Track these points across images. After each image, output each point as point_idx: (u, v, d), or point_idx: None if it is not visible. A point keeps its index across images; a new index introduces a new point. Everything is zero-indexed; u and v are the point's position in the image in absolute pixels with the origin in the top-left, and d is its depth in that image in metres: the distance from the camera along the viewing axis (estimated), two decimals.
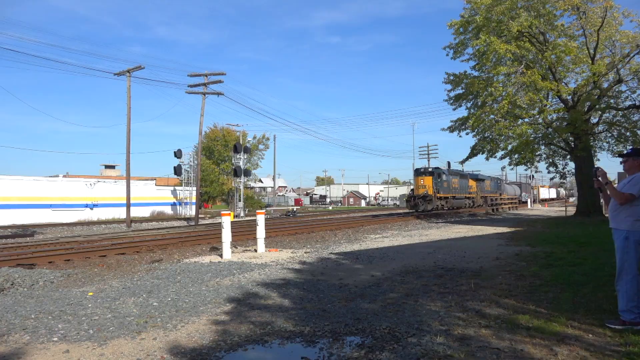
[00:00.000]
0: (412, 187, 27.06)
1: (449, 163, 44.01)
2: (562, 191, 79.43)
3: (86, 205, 30.99)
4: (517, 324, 4.40)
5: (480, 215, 29.44)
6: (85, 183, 31.99)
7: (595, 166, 4.81)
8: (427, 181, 30.73)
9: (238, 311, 5.11)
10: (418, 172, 31.89)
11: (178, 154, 33.66)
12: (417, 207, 29.98)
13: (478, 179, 39.65)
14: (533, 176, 56.68)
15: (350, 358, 3.65)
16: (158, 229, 21.19)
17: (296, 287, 6.38)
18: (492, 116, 20.61)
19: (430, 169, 32.10)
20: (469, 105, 23.34)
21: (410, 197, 31.07)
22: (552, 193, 75.87)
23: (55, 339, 4.19)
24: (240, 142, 37.23)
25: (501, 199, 43.15)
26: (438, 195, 30.36)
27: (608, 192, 4.75)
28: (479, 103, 21.90)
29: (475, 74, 22.49)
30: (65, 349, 3.92)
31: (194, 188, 31.75)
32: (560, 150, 24.61)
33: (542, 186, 69.90)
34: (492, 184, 43.27)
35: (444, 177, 31.59)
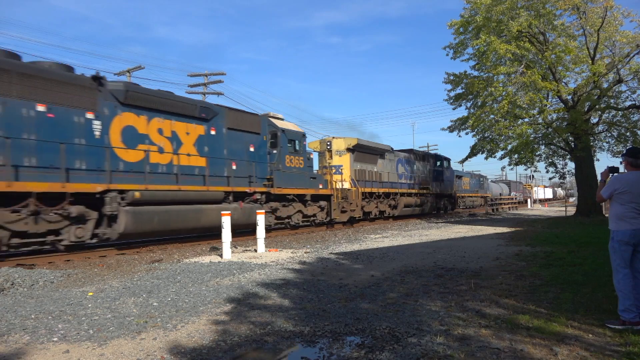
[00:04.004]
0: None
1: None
2: (560, 191, 78.93)
3: None
4: (517, 324, 4.40)
5: (480, 215, 29.44)
6: None
7: (611, 165, 4.86)
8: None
9: (238, 311, 5.11)
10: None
11: None
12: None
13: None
14: (533, 176, 56.66)
15: (350, 358, 3.65)
16: None
17: (296, 287, 6.38)
18: (492, 116, 20.61)
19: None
20: (469, 105, 23.34)
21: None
22: (548, 193, 75.12)
23: (55, 339, 4.19)
24: None
25: (484, 199, 39.08)
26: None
27: None
28: (479, 103, 21.89)
29: (475, 73, 22.49)
30: (65, 349, 3.92)
31: None
32: (560, 150, 24.62)
33: (537, 185, 68.25)
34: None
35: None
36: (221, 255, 9.72)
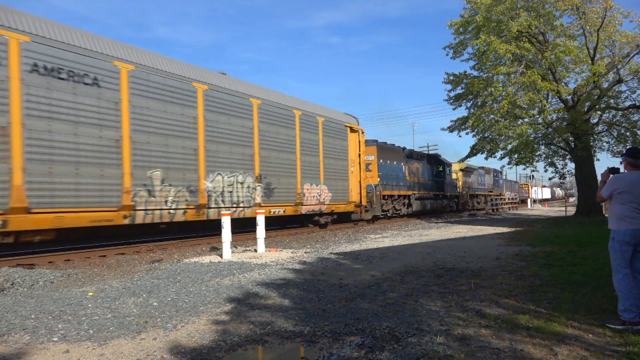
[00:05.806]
0: None
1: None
2: (558, 191, 78.61)
3: None
4: (517, 324, 4.40)
5: (480, 215, 29.44)
6: None
7: (611, 166, 4.86)
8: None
9: (238, 311, 5.11)
10: None
11: None
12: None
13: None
14: (533, 176, 56.54)
15: (350, 358, 3.65)
16: None
17: (296, 287, 6.39)
18: (492, 116, 20.63)
19: None
20: (469, 105, 23.36)
21: None
22: (546, 193, 74.62)
23: (55, 339, 4.19)
24: None
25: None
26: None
27: None
28: (479, 103, 21.91)
29: (475, 73, 22.51)
30: (65, 349, 3.92)
31: None
32: (560, 150, 24.63)
33: (537, 185, 67.39)
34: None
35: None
36: (221, 255, 9.72)
